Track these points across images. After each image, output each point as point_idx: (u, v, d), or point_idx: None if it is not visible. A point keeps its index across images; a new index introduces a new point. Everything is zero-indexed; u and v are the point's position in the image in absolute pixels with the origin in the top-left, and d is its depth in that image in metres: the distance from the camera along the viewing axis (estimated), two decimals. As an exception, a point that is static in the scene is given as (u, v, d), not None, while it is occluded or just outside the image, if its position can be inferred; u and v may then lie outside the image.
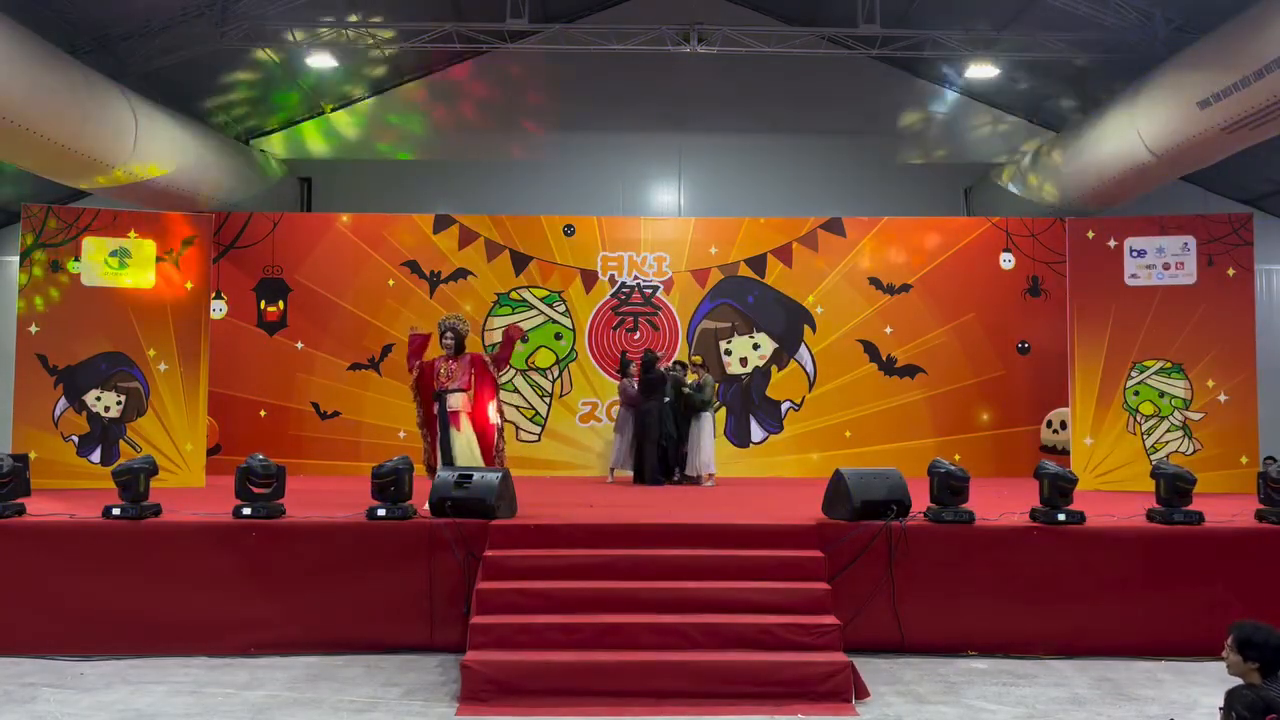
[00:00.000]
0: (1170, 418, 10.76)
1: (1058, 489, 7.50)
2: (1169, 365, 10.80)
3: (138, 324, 10.68)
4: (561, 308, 12.98)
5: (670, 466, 11.40)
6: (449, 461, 8.42)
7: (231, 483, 7.61)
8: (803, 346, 12.98)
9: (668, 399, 11.31)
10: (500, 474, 7.58)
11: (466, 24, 12.30)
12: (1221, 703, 4.15)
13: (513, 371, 12.86)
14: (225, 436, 12.43)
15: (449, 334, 8.77)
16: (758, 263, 13.03)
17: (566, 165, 14.98)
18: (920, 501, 7.54)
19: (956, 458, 10.90)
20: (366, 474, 7.67)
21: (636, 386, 11.41)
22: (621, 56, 12.88)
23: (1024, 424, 12.74)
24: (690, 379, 11.49)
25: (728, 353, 13.00)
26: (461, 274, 12.96)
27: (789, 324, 13.00)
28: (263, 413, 12.68)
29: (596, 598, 6.70)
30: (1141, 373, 10.85)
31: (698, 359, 11.86)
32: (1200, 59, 9.58)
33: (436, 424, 8.69)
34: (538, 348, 12.93)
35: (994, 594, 7.21)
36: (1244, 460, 10.48)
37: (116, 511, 7.34)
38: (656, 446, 11.20)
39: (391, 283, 12.91)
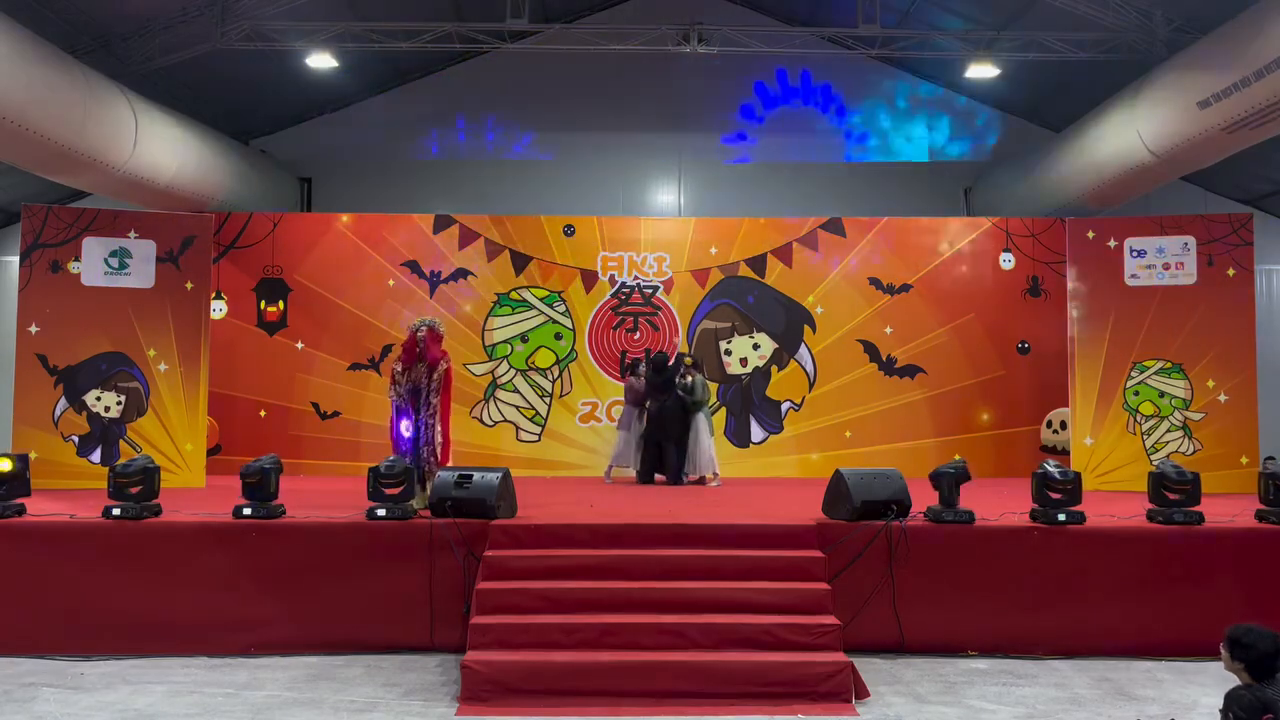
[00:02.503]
0: (1170, 418, 10.76)
1: (1047, 488, 7.51)
2: (1169, 365, 10.80)
3: (138, 324, 10.68)
4: (561, 308, 12.97)
5: (667, 465, 11.36)
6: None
7: (231, 483, 7.62)
8: (803, 346, 12.97)
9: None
10: (500, 474, 7.58)
11: (466, 24, 12.31)
12: (1221, 704, 4.16)
13: (513, 372, 12.87)
14: (225, 436, 12.42)
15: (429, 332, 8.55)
16: (758, 263, 13.02)
17: (566, 165, 14.99)
18: (921, 502, 7.55)
19: (956, 458, 10.91)
20: (366, 474, 7.66)
21: (644, 385, 11.35)
22: (621, 56, 12.88)
23: (1024, 424, 12.73)
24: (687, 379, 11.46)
25: (728, 353, 13.00)
26: (461, 274, 12.95)
27: (789, 324, 13.00)
28: (263, 413, 12.67)
29: (596, 598, 6.70)
30: (1141, 373, 10.85)
31: (689, 360, 11.76)
32: (1200, 59, 9.58)
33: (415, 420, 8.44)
34: (538, 348, 12.92)
35: (994, 594, 7.22)
36: (1244, 460, 10.48)
37: (116, 512, 7.36)
38: (677, 445, 11.15)
39: (391, 283, 12.90)
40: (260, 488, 7.47)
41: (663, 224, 13.43)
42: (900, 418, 12.79)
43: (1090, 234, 11.13)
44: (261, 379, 12.71)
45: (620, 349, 12.85)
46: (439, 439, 8.24)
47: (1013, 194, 13.78)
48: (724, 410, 12.81)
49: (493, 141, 15.17)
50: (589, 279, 12.99)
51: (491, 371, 12.86)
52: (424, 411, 8.23)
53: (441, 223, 13.02)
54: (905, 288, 12.95)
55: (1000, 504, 8.22)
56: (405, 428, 8.25)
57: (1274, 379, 12.60)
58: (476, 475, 7.50)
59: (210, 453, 11.45)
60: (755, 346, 12.99)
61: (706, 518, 7.80)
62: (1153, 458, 10.42)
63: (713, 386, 12.60)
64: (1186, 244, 10.86)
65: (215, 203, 12.43)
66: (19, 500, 7.53)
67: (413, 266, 12.93)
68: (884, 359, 12.91)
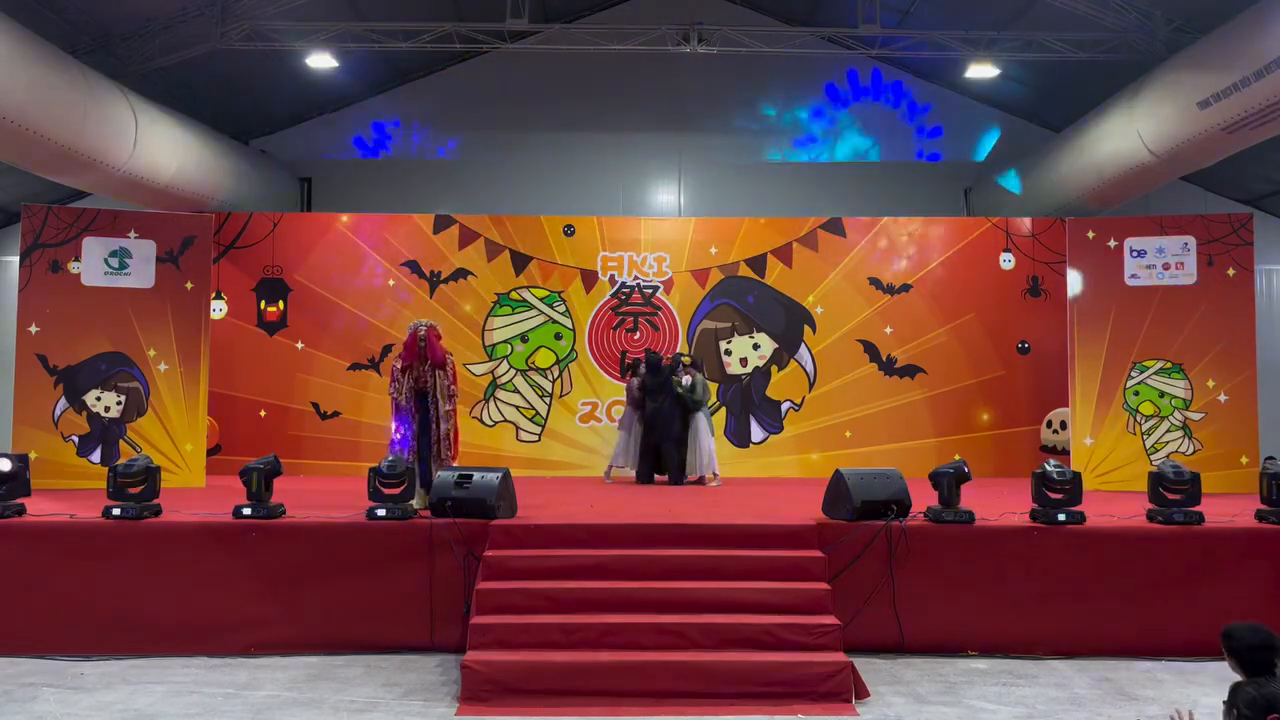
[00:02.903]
0: (1170, 418, 10.77)
1: (1047, 488, 7.51)
2: (1169, 365, 10.80)
3: (138, 324, 10.68)
4: (561, 308, 12.97)
5: (666, 466, 11.36)
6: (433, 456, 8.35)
7: (231, 483, 7.62)
8: (803, 346, 12.97)
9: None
10: (500, 474, 7.59)
11: (466, 24, 12.31)
12: (1225, 696, 4.12)
13: (513, 372, 12.87)
14: (225, 436, 12.43)
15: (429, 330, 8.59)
16: (758, 263, 13.02)
17: (566, 165, 14.98)
18: (921, 502, 7.54)
19: (956, 458, 10.91)
20: (366, 474, 7.66)
21: (638, 387, 11.34)
22: (621, 56, 12.88)
23: (1024, 424, 12.73)
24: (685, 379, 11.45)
25: (728, 353, 12.99)
26: (461, 274, 12.95)
27: (789, 324, 13.00)
28: (263, 413, 12.67)
29: (596, 598, 6.70)
30: (1141, 373, 10.85)
31: (687, 360, 11.74)
32: (1200, 59, 9.58)
33: (418, 417, 8.48)
34: (538, 348, 12.92)
35: (994, 594, 7.22)
36: (1244, 460, 10.49)
37: (116, 511, 7.35)
38: (676, 445, 11.15)
39: (391, 283, 12.91)
40: (251, 487, 7.49)
41: (663, 224, 13.42)
42: (900, 418, 12.79)
43: (1090, 234, 11.13)
44: (261, 379, 12.71)
45: (620, 349, 12.85)
46: (454, 434, 8.30)
47: (1013, 194, 13.78)
48: (724, 410, 12.81)
49: (494, 141, 15.15)
50: (589, 279, 12.99)
51: (491, 371, 12.86)
52: (437, 408, 8.28)
53: (441, 223, 13.02)
54: (905, 288, 12.95)
55: (1000, 504, 8.22)
56: (399, 429, 8.26)
57: (1274, 379, 12.60)
58: (476, 475, 7.50)
59: (210, 453, 11.46)
60: (755, 346, 12.99)
61: (706, 518, 7.79)
62: (1153, 458, 10.44)
63: (713, 386, 12.61)
64: (1186, 244, 10.87)
65: (215, 203, 12.43)
66: (19, 500, 7.53)
67: (413, 266, 12.94)
68: (884, 359, 12.91)
